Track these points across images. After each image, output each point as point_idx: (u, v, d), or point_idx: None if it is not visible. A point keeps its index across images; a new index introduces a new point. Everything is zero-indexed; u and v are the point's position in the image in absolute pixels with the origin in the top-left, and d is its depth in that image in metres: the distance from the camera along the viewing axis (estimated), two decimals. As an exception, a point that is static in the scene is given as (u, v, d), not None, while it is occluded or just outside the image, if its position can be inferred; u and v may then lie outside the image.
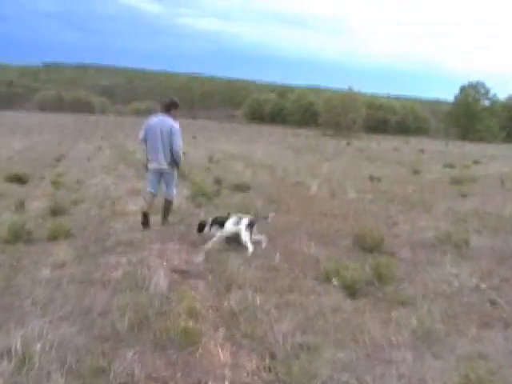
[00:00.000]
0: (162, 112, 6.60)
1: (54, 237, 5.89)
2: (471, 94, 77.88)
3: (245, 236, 5.55)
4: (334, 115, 61.48)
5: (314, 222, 7.32)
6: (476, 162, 21.40)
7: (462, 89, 79.06)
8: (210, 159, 16.87)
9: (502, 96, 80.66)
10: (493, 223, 7.41)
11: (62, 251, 5.33)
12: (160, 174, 6.64)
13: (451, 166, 18.46)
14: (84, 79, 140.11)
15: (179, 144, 6.55)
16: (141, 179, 10.29)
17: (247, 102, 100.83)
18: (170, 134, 6.41)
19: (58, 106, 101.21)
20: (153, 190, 6.71)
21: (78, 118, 66.54)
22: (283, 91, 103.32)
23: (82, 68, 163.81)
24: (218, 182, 10.88)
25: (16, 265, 4.92)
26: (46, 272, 4.68)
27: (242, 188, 10.08)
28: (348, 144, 36.46)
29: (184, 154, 19.54)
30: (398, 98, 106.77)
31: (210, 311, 3.82)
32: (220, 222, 5.77)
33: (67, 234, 6.06)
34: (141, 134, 6.66)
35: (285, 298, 4.13)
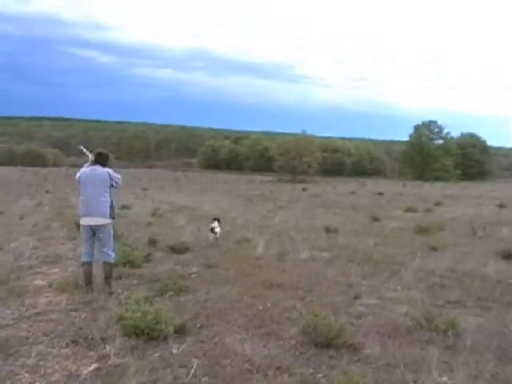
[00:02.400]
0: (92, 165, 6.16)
1: None
2: (425, 134, 79.64)
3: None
4: (289, 159, 61.63)
5: (255, 297, 5.87)
6: (438, 204, 20.73)
7: (416, 128, 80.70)
8: (154, 213, 16.22)
9: (455, 134, 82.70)
10: (477, 289, 6.01)
11: None
12: (93, 232, 5.98)
13: (413, 209, 17.67)
14: (38, 132, 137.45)
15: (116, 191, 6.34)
16: (70, 240, 10.09)
17: (202, 150, 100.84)
18: (104, 182, 5.98)
19: (8, 159, 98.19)
20: (87, 259, 6.05)
21: (29, 171, 64.39)
22: (238, 137, 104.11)
23: (36, 120, 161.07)
24: (152, 242, 9.78)
25: None
26: None
27: (178, 250, 8.92)
28: (304, 190, 36.45)
29: (128, 207, 18.45)
30: (352, 140, 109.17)
31: None
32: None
33: None
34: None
35: None
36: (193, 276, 7.03)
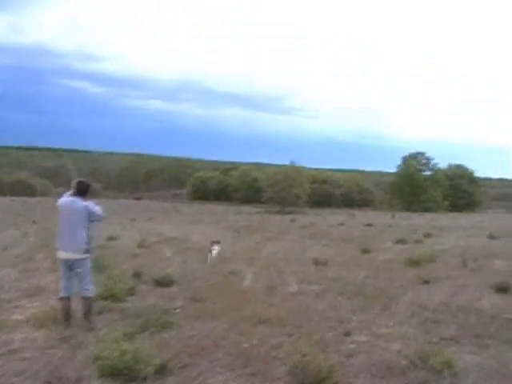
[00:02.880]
0: (73, 195, 6.01)
1: None
2: (413, 165, 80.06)
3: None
4: (278, 190, 61.48)
5: (241, 333, 5.63)
6: (428, 235, 20.64)
7: (404, 160, 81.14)
8: (141, 244, 15.92)
9: (442, 165, 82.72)
10: (472, 325, 5.80)
11: None
12: (69, 266, 5.78)
13: (403, 241, 17.52)
14: (28, 161, 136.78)
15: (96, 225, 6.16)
16: (53, 272, 9.70)
17: (191, 181, 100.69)
18: (81, 217, 5.80)
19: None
20: (65, 294, 5.84)
21: (17, 201, 63.77)
22: (228, 168, 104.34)
23: (26, 150, 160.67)
24: (137, 275, 9.52)
25: None
26: None
27: (163, 283, 8.68)
28: (293, 221, 36.34)
29: (115, 238, 18.14)
30: (342, 171, 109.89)
31: None
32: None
33: None
34: None
35: None
36: (177, 311, 6.78)
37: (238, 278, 9.40)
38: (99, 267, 9.37)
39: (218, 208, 68.23)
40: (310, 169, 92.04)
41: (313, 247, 16.12)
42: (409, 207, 72.40)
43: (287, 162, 69.08)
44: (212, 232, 23.34)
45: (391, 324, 6.01)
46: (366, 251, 14.28)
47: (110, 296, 7.22)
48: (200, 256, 13.15)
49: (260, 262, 11.88)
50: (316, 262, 11.50)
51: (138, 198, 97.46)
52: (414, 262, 11.17)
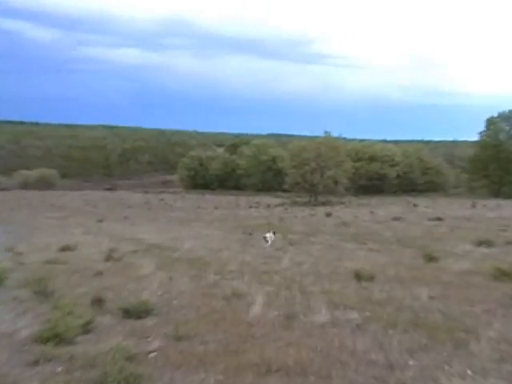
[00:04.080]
0: None
1: None
2: (503, 130, 77.80)
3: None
4: (306, 173, 61.81)
5: None
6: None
7: (490, 123, 78.57)
8: (109, 256, 15.97)
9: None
10: None
11: None
12: None
13: (488, 243, 17.41)
14: None
15: None
16: None
17: (185, 163, 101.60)
18: None
19: None
20: None
21: None
22: (235, 144, 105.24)
23: None
24: (98, 302, 9.48)
25: None
26: None
27: (136, 313, 8.69)
28: (327, 215, 36.75)
29: (71, 249, 18.40)
30: (398, 144, 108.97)
31: None
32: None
33: None
34: None
35: None
36: (151, 356, 6.72)
37: (243, 303, 9.43)
38: (41, 293, 9.27)
39: (223, 200, 68.88)
40: (352, 141, 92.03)
41: (354, 254, 16.25)
42: (497, 192, 71.21)
43: (319, 133, 69.32)
44: (214, 235, 23.84)
45: (469, 373, 5.87)
46: (431, 259, 14.22)
47: (54, 336, 7.11)
48: (193, 271, 13.30)
49: (277, 278, 11.99)
50: (358, 277, 11.56)
51: (111, 189, 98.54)
52: (504, 275, 11.05)
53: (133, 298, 9.36)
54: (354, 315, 8.48)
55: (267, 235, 18.55)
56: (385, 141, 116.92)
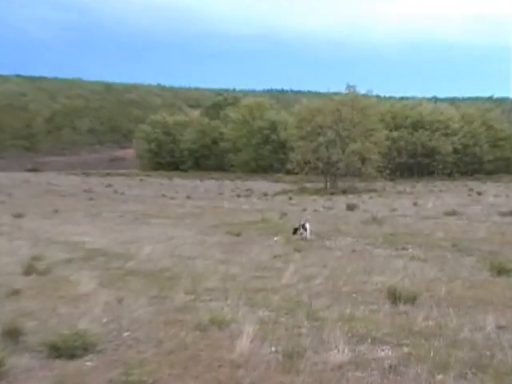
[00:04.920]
0: None
1: None
2: None
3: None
4: (320, 147, 61.41)
5: None
6: None
7: None
8: (31, 267, 16.03)
9: None
10: None
11: None
12: None
13: None
14: None
15: None
16: None
17: (144, 132, 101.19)
18: None
19: None
20: None
21: None
22: (217, 104, 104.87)
23: None
24: (13, 335, 9.52)
25: None
26: None
27: (68, 350, 8.73)
28: (350, 208, 36.95)
29: None
30: (454, 102, 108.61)
31: None
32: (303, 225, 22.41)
33: None
34: None
35: None
36: None
37: (225, 335, 9.49)
38: None
39: (200, 186, 68.88)
40: (387, 100, 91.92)
41: (389, 264, 16.35)
42: None
43: (339, 89, 68.99)
44: (186, 237, 24.01)
45: None
46: (502, 271, 14.29)
47: None
48: (154, 289, 13.37)
49: (275, 299, 12.05)
50: (393, 297, 11.58)
51: (34, 170, 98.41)
52: None
53: (65, 328, 9.35)
54: (385, 352, 8.52)
55: (306, 222, 22.09)
56: (436, 99, 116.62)
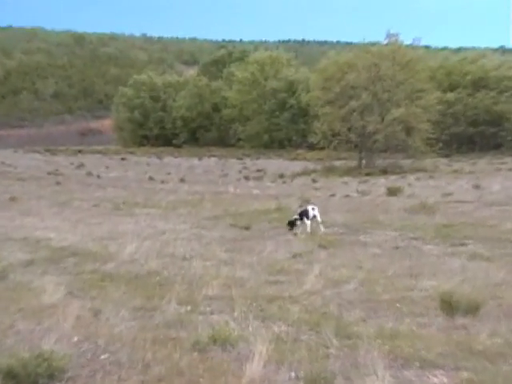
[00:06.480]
0: None
1: None
2: None
3: (320, 217, 23.62)
4: (352, 114, 61.11)
5: None
6: None
7: None
8: None
9: None
10: None
11: None
12: None
13: None
14: None
15: None
16: None
17: (126, 96, 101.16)
18: None
19: None
20: None
21: None
22: (218, 60, 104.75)
23: None
24: None
25: None
26: None
27: (30, 377, 8.78)
28: (393, 192, 36.96)
29: None
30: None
31: None
32: (305, 213, 23.04)
33: None
34: None
35: None
36: None
37: (231, 357, 9.48)
38: None
39: (197, 166, 68.95)
40: (439, 52, 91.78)
41: (443, 264, 16.29)
42: None
43: (376, 39, 68.62)
44: (179, 231, 24.17)
45: None
46: None
47: None
48: (138, 298, 13.42)
49: (295, 310, 12.02)
50: (448, 307, 11.53)
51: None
52: None
53: (25, 350, 9.35)
54: (439, 379, 8.47)
55: (309, 208, 22.84)
56: (504, 50, 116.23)
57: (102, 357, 9.59)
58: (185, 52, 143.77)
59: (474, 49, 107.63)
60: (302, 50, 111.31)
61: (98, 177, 59.55)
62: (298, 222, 21.74)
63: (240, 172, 62.32)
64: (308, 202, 25.45)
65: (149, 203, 36.07)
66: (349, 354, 9.35)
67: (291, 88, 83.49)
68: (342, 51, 78.34)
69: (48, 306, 12.62)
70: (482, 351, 9.39)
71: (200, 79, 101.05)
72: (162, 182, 53.86)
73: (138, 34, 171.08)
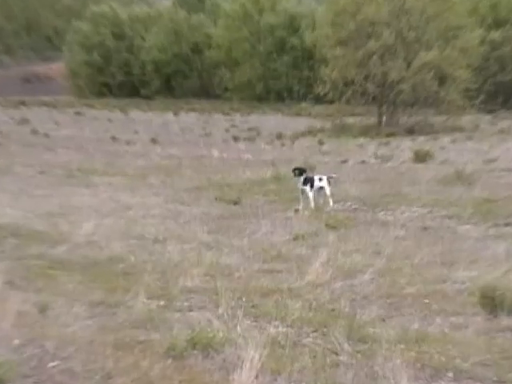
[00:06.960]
0: None
1: None
2: None
3: (329, 190, 24.63)
4: (370, 58, 60.79)
5: None
6: None
7: None
8: None
9: None
10: None
11: None
12: None
13: None
14: None
15: None
16: None
17: (81, 32, 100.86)
18: None
19: None
20: None
21: None
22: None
23: None
24: None
25: None
26: None
27: None
28: (421, 158, 37.02)
29: None
30: None
31: None
32: (310, 180, 24.48)
33: None
34: None
35: None
36: None
37: (215, 365, 9.52)
38: None
39: (174, 122, 69.19)
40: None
41: (482, 249, 16.22)
42: None
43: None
44: (149, 205, 24.40)
45: None
46: None
47: None
48: (98, 291, 13.44)
49: (297, 307, 11.98)
50: (489, 303, 11.51)
51: None
52: None
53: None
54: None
55: (316, 178, 24.13)
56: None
57: (51, 364, 9.52)
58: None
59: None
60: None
61: (46, 136, 59.40)
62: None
63: (227, 131, 62.35)
64: (313, 170, 25.03)
65: (110, 170, 35.98)
66: (363, 363, 9.35)
67: (292, 24, 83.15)
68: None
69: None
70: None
71: (176, 12, 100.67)
72: (128, 142, 53.65)
73: None
